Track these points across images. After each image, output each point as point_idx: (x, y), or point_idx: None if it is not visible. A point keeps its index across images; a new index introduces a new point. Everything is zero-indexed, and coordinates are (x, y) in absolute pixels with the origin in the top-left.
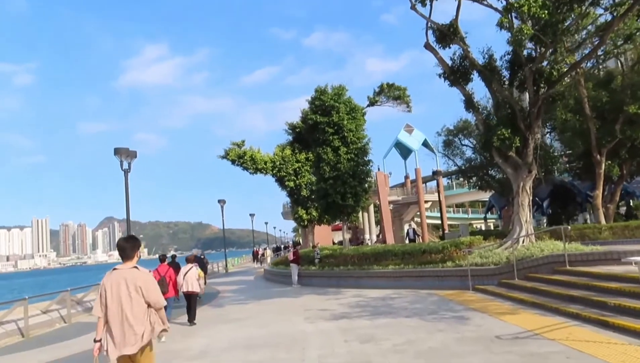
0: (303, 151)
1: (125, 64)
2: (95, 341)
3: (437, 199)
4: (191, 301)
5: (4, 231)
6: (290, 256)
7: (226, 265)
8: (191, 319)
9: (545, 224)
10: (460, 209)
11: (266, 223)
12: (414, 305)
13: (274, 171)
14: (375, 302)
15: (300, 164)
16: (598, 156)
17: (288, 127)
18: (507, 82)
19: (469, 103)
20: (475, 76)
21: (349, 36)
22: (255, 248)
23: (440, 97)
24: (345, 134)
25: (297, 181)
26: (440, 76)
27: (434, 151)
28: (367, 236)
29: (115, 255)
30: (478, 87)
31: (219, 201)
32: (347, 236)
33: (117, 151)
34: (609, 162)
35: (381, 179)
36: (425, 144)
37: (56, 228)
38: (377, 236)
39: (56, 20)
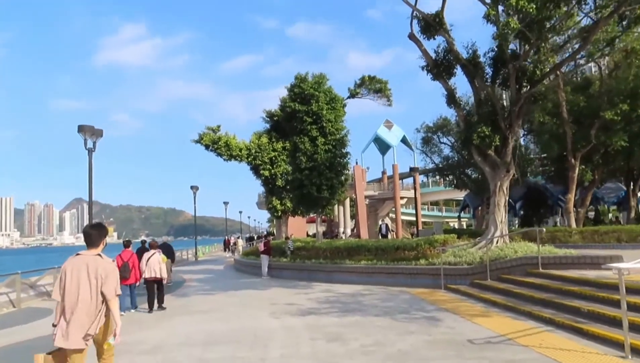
0: (280, 140)
1: (101, 42)
2: (53, 325)
3: (413, 196)
4: (154, 288)
5: None
6: (261, 247)
7: (196, 253)
8: (159, 304)
9: (517, 226)
10: (435, 207)
11: (240, 212)
12: (385, 303)
13: (249, 159)
14: (346, 298)
15: (276, 153)
16: (572, 160)
17: (266, 115)
18: (489, 80)
19: (451, 98)
20: (458, 71)
21: (332, 29)
22: (226, 237)
23: (421, 96)
24: (324, 124)
25: (273, 171)
26: (423, 68)
27: (412, 148)
28: (341, 229)
29: (83, 238)
30: (461, 83)
31: (192, 187)
32: (321, 228)
33: (81, 129)
34: (583, 167)
35: (359, 173)
36: (404, 141)
37: (21, 207)
38: (352, 230)
39: None
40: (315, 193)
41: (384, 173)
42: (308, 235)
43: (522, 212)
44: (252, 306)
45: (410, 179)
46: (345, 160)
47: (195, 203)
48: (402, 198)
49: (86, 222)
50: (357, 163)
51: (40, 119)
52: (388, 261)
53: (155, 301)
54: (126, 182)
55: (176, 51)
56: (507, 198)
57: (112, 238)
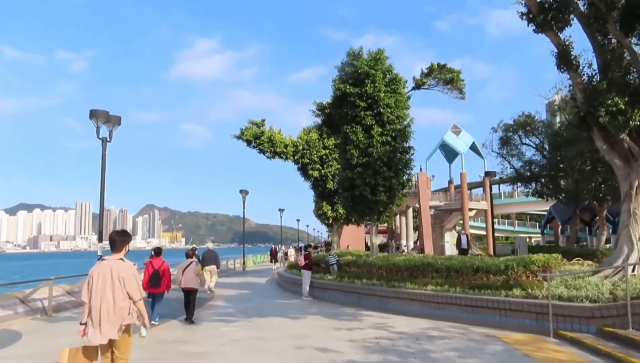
0: (332, 137)
1: (177, 56)
2: (80, 324)
3: (484, 207)
4: (189, 298)
5: (50, 212)
6: (301, 260)
7: (244, 263)
8: (189, 317)
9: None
10: (506, 220)
11: (298, 221)
12: (466, 358)
13: (296, 157)
14: (405, 343)
15: (328, 151)
16: None
17: (316, 108)
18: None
19: (564, 58)
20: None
21: (400, 40)
22: (273, 246)
23: (488, 107)
24: (381, 110)
25: (323, 171)
26: (522, 16)
27: (482, 155)
28: (403, 242)
29: (154, 242)
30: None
31: (241, 191)
32: (377, 240)
33: (93, 114)
34: None
35: (423, 180)
36: (473, 147)
37: (99, 211)
38: (415, 243)
39: (112, 11)
40: (369, 195)
41: (450, 182)
42: (367, 248)
43: None
44: (267, 350)
45: (480, 190)
46: (407, 156)
47: (244, 208)
48: (470, 209)
49: (157, 227)
50: (421, 169)
51: (121, 129)
52: (465, 287)
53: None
54: (194, 190)
55: (246, 64)
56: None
57: (180, 243)
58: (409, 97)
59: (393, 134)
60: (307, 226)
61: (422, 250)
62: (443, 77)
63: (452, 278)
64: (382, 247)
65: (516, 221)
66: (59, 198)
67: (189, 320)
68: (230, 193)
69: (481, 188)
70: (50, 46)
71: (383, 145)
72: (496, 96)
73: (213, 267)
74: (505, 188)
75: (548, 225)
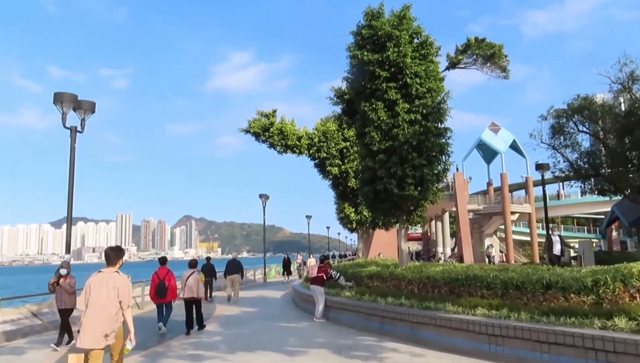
0: (354, 127)
1: (212, 69)
2: (77, 332)
3: (526, 211)
4: (192, 309)
5: (92, 224)
6: (313, 272)
7: (265, 274)
8: (199, 325)
9: None
10: (551, 224)
11: (328, 228)
12: None
13: (312, 151)
14: None
15: (349, 143)
16: None
17: (335, 95)
18: None
19: None
20: None
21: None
22: (286, 256)
23: (526, 111)
24: (408, 81)
25: (344, 167)
26: None
27: (524, 154)
28: (439, 249)
29: (191, 253)
30: None
31: (261, 196)
32: (406, 246)
33: (58, 98)
34: None
35: (460, 182)
36: (513, 146)
37: (138, 223)
38: (452, 250)
39: (151, 29)
40: (395, 189)
41: (489, 183)
42: None
43: None
44: None
45: (522, 192)
46: (442, 140)
47: (264, 214)
48: (512, 212)
49: (194, 238)
50: (457, 169)
51: (158, 141)
52: (534, 313)
53: (195, 323)
54: (229, 200)
55: (279, 74)
56: None
57: (217, 253)
58: (442, 78)
59: (424, 112)
60: (339, 233)
61: (461, 258)
62: (482, 53)
63: (511, 298)
64: (417, 255)
65: (562, 226)
66: (101, 211)
67: (201, 325)
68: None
69: (523, 190)
70: (92, 66)
71: (411, 125)
72: (535, 98)
73: (236, 276)
74: (549, 190)
75: (599, 229)
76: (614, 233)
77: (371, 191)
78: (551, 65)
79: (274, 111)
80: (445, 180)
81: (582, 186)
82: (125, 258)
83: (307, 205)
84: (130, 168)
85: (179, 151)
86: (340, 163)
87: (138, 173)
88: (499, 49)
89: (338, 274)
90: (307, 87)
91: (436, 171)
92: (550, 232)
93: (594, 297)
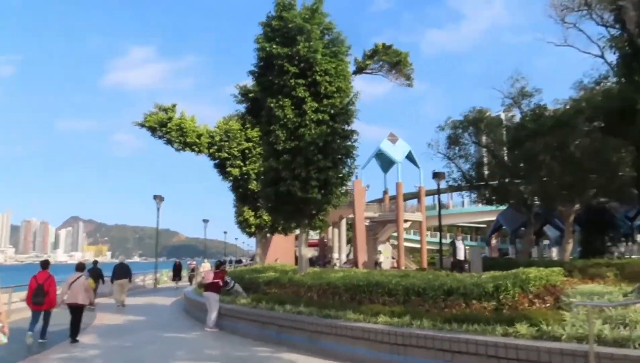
0: (258, 126)
1: (111, 63)
2: None
3: (418, 219)
4: (76, 315)
5: None
6: (208, 277)
7: (156, 279)
8: (73, 336)
9: (577, 255)
10: (438, 233)
11: (225, 233)
12: None
13: (212, 150)
14: None
15: (251, 144)
16: None
17: (239, 92)
18: None
19: None
20: None
21: None
22: (177, 261)
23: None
24: (318, 78)
25: (245, 168)
26: None
27: (418, 165)
28: (335, 255)
29: (77, 256)
30: None
31: (155, 196)
32: (306, 251)
33: None
34: None
35: (359, 189)
36: (409, 157)
37: (18, 223)
38: (347, 256)
39: (45, 14)
40: (298, 191)
41: (385, 192)
42: (297, 262)
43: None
44: None
45: (414, 201)
46: (349, 143)
47: (158, 216)
48: (405, 221)
49: (81, 240)
50: (357, 177)
51: (46, 137)
52: (437, 320)
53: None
54: (123, 201)
55: (183, 73)
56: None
57: (106, 257)
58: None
59: (332, 112)
60: (236, 238)
61: (355, 264)
62: (389, 59)
63: (413, 305)
64: (312, 262)
65: (447, 234)
66: None
67: (73, 340)
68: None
69: (416, 199)
70: None
71: (318, 125)
72: (431, 113)
73: (125, 281)
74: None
75: (480, 237)
76: (493, 241)
77: (274, 193)
78: (446, 82)
79: (174, 106)
80: (349, 183)
81: (470, 195)
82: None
83: (204, 209)
84: (12, 164)
85: (70, 148)
86: (242, 164)
87: (20, 170)
88: (405, 57)
89: (233, 282)
90: (211, 87)
91: (341, 175)
92: (454, 238)
93: (494, 303)
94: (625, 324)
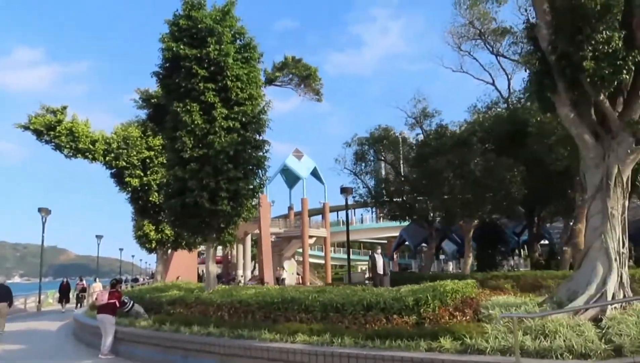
0: (161, 134)
1: None
2: None
3: (323, 235)
4: None
5: None
6: (102, 298)
7: (39, 301)
8: None
9: (475, 268)
10: (342, 249)
11: (121, 250)
12: None
13: (108, 158)
14: None
15: (153, 153)
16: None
17: (139, 97)
18: None
19: None
20: None
21: None
22: (64, 280)
23: (327, 140)
24: (229, 83)
25: (145, 179)
26: None
27: (323, 181)
28: (239, 271)
29: None
30: None
31: (40, 209)
32: (214, 267)
33: None
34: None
35: (265, 204)
36: (314, 173)
37: None
38: (252, 272)
39: None
40: (206, 203)
41: (290, 208)
42: (201, 280)
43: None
44: None
45: (319, 217)
46: (260, 153)
47: (43, 231)
48: (310, 236)
49: None
50: (262, 192)
51: None
52: (358, 337)
53: None
54: (3, 216)
55: (76, 79)
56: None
57: None
58: (265, 85)
59: (243, 120)
60: (133, 256)
61: (261, 281)
62: (298, 73)
63: (332, 321)
64: (217, 278)
65: (350, 250)
66: None
67: None
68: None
69: (320, 215)
70: None
71: (229, 133)
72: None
73: (3, 305)
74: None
75: (415, 248)
76: (395, 256)
77: (179, 204)
78: (349, 102)
79: (64, 108)
80: (260, 194)
81: (372, 212)
82: None
83: (98, 224)
84: None
85: None
86: (142, 174)
87: None
88: (314, 71)
89: (131, 302)
90: (107, 95)
91: (252, 186)
92: (374, 251)
93: (415, 317)
94: (545, 334)
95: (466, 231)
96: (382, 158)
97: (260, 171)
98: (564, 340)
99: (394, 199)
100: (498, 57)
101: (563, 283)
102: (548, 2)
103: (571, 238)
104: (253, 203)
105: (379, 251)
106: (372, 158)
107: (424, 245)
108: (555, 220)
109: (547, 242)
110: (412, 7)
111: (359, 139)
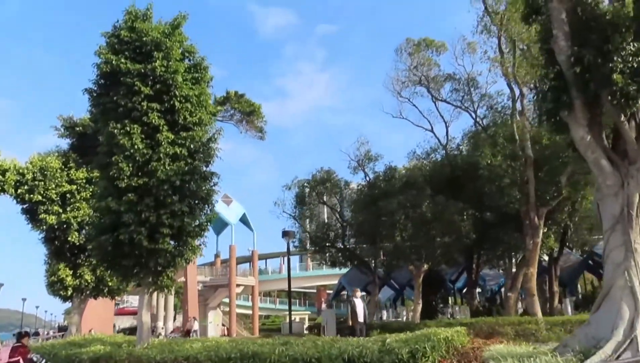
0: (84, 168)
1: None
2: None
3: (251, 283)
4: None
5: None
6: (2, 355)
7: None
8: None
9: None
10: (268, 298)
11: (24, 300)
12: None
13: (20, 191)
14: None
15: (75, 187)
16: (536, 219)
17: (62, 125)
18: None
19: None
20: None
21: None
22: None
23: (253, 190)
24: (177, 105)
25: (65, 216)
26: None
27: (252, 228)
28: (160, 323)
29: None
30: None
31: None
32: (147, 317)
33: None
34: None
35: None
36: (243, 219)
37: None
38: (174, 324)
39: None
40: (145, 241)
41: (217, 255)
42: (123, 332)
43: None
44: None
45: (246, 265)
46: (209, 185)
47: None
48: (238, 285)
49: None
50: (209, 230)
51: None
52: None
53: None
54: None
55: None
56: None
57: None
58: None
59: (191, 147)
60: (37, 307)
61: (187, 333)
62: (241, 108)
63: None
64: (131, 332)
65: (277, 299)
66: None
67: None
68: None
69: (248, 263)
70: None
71: (174, 161)
72: (258, 180)
73: None
74: (273, 264)
75: (308, 302)
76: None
77: (111, 241)
78: (275, 151)
79: None
80: (209, 222)
81: (301, 259)
82: None
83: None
84: None
85: None
86: (61, 210)
87: None
88: (258, 108)
89: (42, 360)
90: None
91: (198, 222)
92: (352, 295)
93: None
94: None
95: (417, 276)
96: (324, 201)
97: (207, 206)
98: None
99: (336, 245)
100: (437, 104)
101: (578, 328)
102: (567, 11)
103: (518, 283)
104: (198, 243)
105: (358, 294)
106: (313, 202)
107: (365, 292)
108: (490, 267)
109: (480, 290)
110: (336, 63)
111: (299, 181)
